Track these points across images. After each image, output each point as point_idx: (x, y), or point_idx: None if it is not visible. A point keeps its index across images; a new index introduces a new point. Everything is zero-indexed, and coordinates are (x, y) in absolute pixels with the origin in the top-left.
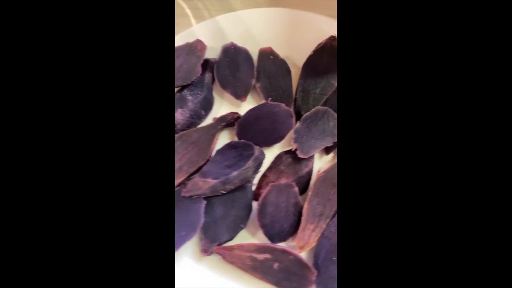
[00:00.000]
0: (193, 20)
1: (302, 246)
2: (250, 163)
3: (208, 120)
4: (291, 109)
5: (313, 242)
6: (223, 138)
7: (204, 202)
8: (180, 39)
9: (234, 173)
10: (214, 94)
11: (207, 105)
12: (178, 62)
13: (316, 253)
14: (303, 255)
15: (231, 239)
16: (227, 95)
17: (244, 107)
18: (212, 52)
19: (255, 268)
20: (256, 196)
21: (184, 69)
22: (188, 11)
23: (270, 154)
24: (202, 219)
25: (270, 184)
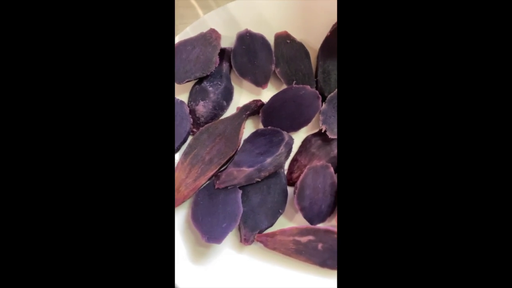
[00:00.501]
0: (200, 11)
1: None
2: (282, 148)
3: (230, 110)
4: (317, 91)
5: None
6: (248, 127)
7: (240, 192)
8: (192, 30)
9: (268, 160)
10: (233, 83)
11: (228, 95)
12: (194, 53)
13: None
14: None
15: (271, 225)
16: (246, 83)
17: (264, 94)
18: (226, 41)
19: (299, 251)
20: (289, 181)
21: (201, 60)
22: (194, 2)
23: (297, 138)
24: (241, 209)
25: (307, 167)
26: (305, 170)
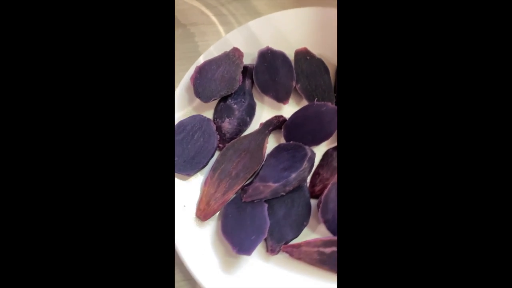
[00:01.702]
0: (220, 27)
1: None
2: (305, 164)
3: (253, 126)
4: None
5: None
6: (271, 141)
7: (266, 205)
8: (215, 49)
9: (293, 175)
10: (255, 99)
11: (251, 111)
12: (219, 72)
13: None
14: None
15: (296, 237)
16: (267, 99)
17: (285, 109)
18: (248, 58)
19: (323, 262)
20: (311, 194)
21: (226, 79)
22: (214, 19)
23: (318, 151)
24: (268, 222)
25: (331, 182)
26: (329, 185)
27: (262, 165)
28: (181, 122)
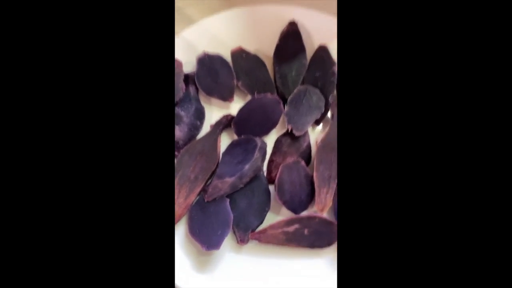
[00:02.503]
0: None
1: (322, 209)
2: (257, 154)
3: (205, 128)
4: (277, 96)
5: (330, 202)
6: (224, 140)
7: (227, 200)
8: None
9: (247, 167)
10: (202, 103)
11: (200, 115)
12: None
13: (335, 210)
14: (325, 215)
15: (261, 223)
16: (214, 100)
17: (232, 107)
18: (188, 66)
19: (289, 240)
20: (269, 180)
21: None
22: None
23: (269, 140)
24: (231, 215)
25: (281, 165)
26: (280, 169)
27: (219, 163)
28: None
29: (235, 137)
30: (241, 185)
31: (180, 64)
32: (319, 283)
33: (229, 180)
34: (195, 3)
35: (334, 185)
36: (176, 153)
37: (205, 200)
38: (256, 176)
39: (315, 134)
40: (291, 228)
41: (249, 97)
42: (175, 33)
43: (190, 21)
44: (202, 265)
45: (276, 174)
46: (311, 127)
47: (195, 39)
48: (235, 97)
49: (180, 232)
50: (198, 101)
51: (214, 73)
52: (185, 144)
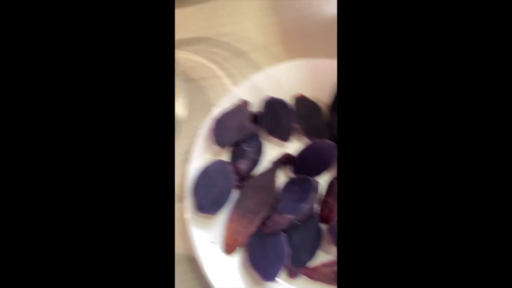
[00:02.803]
0: (225, 80)
1: None
2: (313, 194)
3: (264, 164)
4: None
5: None
6: (281, 175)
7: (285, 235)
8: (227, 101)
9: (305, 206)
10: (263, 140)
11: (260, 151)
12: (233, 121)
13: None
14: None
15: (311, 259)
16: (273, 139)
17: (289, 146)
18: (252, 106)
19: None
20: (321, 219)
21: (238, 127)
22: (220, 73)
23: (322, 180)
24: (288, 249)
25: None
26: (335, 210)
27: (277, 198)
28: (206, 168)
29: (289, 174)
30: (297, 223)
31: (250, 104)
32: None
33: (289, 217)
34: (259, 48)
35: None
36: (239, 184)
37: (265, 232)
38: (310, 214)
39: None
40: None
41: (303, 139)
42: (243, 76)
43: (254, 65)
44: None
45: (328, 214)
46: None
47: (261, 83)
48: (291, 138)
49: (237, 259)
50: (260, 139)
51: (276, 115)
52: (247, 177)
